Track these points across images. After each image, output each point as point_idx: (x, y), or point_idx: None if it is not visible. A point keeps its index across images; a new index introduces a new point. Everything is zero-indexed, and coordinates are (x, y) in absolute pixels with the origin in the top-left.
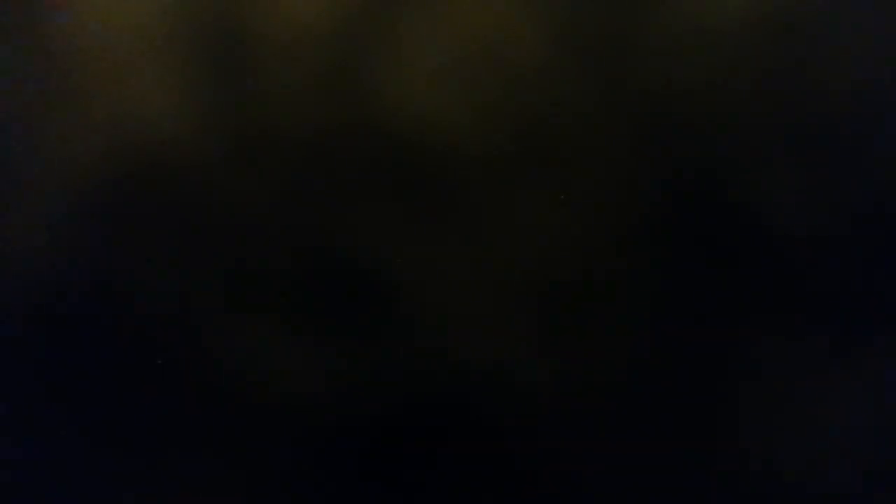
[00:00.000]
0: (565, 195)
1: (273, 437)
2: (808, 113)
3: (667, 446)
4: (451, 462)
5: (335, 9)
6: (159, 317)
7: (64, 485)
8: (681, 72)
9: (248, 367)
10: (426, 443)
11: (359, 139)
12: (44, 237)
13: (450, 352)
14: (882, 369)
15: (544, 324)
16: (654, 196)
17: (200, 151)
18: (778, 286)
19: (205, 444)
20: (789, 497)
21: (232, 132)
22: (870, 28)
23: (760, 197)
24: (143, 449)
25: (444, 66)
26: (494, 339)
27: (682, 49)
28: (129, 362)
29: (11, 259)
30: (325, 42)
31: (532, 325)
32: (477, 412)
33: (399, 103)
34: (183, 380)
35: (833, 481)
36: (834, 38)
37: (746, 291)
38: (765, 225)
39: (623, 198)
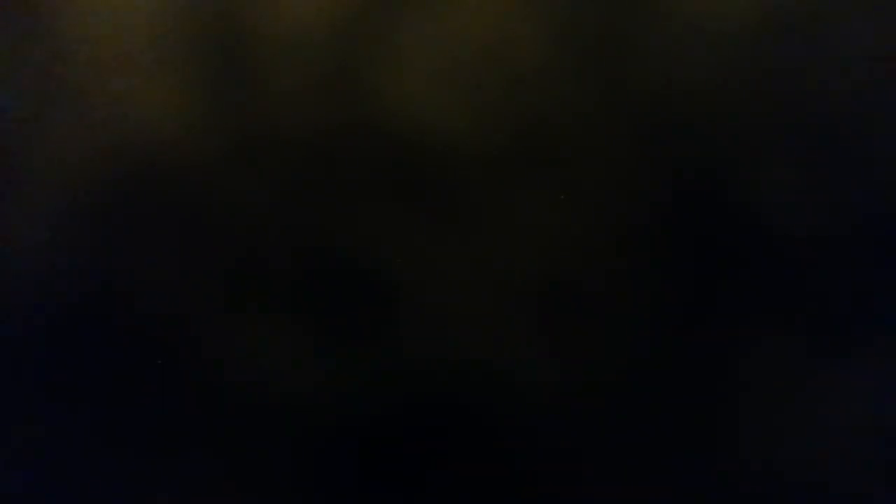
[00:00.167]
0: (565, 195)
1: (273, 437)
2: (808, 113)
3: (667, 446)
4: (451, 462)
5: (335, 9)
6: (159, 317)
7: (64, 485)
8: (681, 72)
9: (248, 367)
10: (426, 443)
11: (359, 139)
12: (44, 236)
13: (450, 352)
14: (882, 369)
15: (544, 324)
16: (654, 196)
17: (200, 151)
18: (778, 286)
19: (205, 444)
20: (789, 497)
21: (232, 132)
22: (870, 28)
23: (760, 197)
24: (143, 449)
25: (444, 66)
26: (494, 339)
27: (682, 49)
28: (129, 362)
29: (11, 258)
30: (325, 42)
31: (532, 325)
32: (477, 412)
33: (399, 103)
34: (183, 380)
35: (833, 481)
36: (834, 38)
37: (746, 291)
38: (765, 225)
39: (623, 198)
